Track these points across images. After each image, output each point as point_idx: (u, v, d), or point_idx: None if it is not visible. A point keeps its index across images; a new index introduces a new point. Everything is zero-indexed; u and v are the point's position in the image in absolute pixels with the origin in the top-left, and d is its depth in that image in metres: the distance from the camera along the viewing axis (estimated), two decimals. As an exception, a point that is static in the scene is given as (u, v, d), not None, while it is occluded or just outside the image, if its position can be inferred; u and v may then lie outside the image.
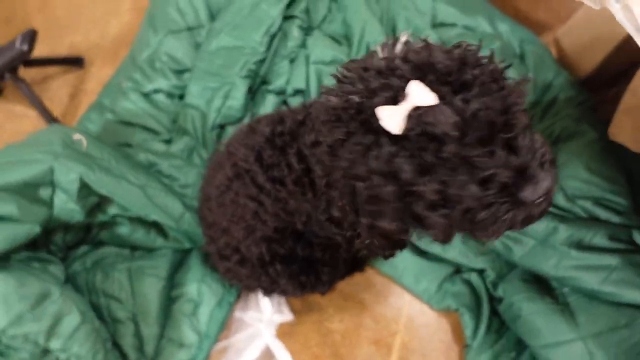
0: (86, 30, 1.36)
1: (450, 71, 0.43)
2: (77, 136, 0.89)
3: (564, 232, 0.88)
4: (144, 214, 0.92)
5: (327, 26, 1.14)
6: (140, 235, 0.99)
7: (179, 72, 1.14)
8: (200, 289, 0.95)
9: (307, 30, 1.13)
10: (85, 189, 0.88)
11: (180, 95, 1.13)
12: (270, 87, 1.10)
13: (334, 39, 1.12)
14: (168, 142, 1.08)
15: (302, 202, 0.64)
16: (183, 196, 0.99)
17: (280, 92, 1.10)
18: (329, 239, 0.74)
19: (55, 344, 0.82)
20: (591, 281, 0.84)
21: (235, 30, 1.10)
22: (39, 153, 0.87)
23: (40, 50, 1.25)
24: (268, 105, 1.09)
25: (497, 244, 0.95)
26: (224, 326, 0.97)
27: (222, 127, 1.09)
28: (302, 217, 0.68)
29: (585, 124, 0.97)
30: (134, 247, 1.00)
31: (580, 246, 0.86)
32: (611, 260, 0.84)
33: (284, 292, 0.87)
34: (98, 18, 1.37)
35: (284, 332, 0.98)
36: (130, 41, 1.26)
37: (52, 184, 0.88)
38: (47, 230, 0.91)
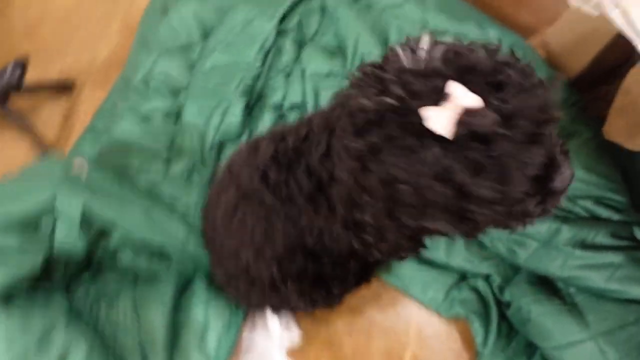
0: (76, 54, 1.35)
1: (490, 71, 0.44)
2: (78, 162, 0.88)
3: (567, 232, 0.89)
4: (149, 238, 0.91)
5: (320, 39, 1.15)
6: (143, 261, 0.97)
7: (175, 92, 1.13)
8: (207, 313, 0.94)
9: (300, 44, 1.14)
10: (88, 216, 0.87)
11: (177, 115, 1.12)
12: (267, 102, 1.10)
13: (328, 51, 1.13)
14: (167, 162, 1.07)
15: (315, 218, 0.64)
16: (186, 217, 0.98)
17: (277, 107, 1.10)
18: (340, 251, 0.74)
19: (64, 377, 0.80)
20: (597, 280, 0.85)
21: (229, 48, 1.10)
22: (39, 184, 0.86)
23: (29, 75, 1.23)
24: (266, 120, 1.09)
25: (501, 248, 0.96)
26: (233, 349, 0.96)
27: (221, 144, 1.08)
28: (314, 232, 0.67)
29: (580, 123, 0.99)
30: (137, 274, 0.99)
31: (584, 245, 0.87)
32: (614, 257, 0.85)
33: (294, 309, 0.86)
34: (87, 41, 1.36)
35: (293, 350, 0.97)
36: (121, 63, 1.25)
37: (54, 215, 0.86)
38: (50, 261, 0.90)
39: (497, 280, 0.97)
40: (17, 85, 1.12)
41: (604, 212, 0.89)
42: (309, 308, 0.85)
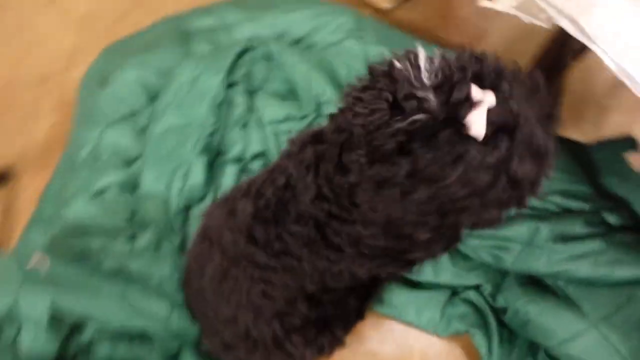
0: (9, 140, 1.26)
1: (492, 76, 0.47)
2: (35, 258, 0.80)
3: (545, 229, 0.92)
4: (129, 324, 0.84)
5: (269, 86, 1.15)
6: (122, 349, 0.88)
7: (129, 162, 1.08)
8: (202, 387, 0.87)
9: (251, 94, 1.13)
10: (57, 315, 0.79)
11: (134, 186, 1.06)
12: (227, 157, 1.08)
13: (280, 97, 1.13)
14: (131, 238, 1.00)
15: (318, 262, 0.62)
16: (163, 293, 0.91)
17: (239, 160, 1.08)
18: (339, 289, 0.72)
19: None
20: (583, 269, 0.88)
21: (180, 108, 1.07)
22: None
23: (-41, 172, 1.13)
24: (228, 175, 1.06)
25: (485, 256, 0.98)
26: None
27: (187, 209, 1.04)
28: (315, 277, 0.65)
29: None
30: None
31: (564, 239, 0.91)
32: (594, 245, 0.89)
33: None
34: (20, 124, 1.28)
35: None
36: (62, 142, 1.18)
37: (17, 321, 0.77)
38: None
39: (487, 288, 0.98)
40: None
41: (574, 204, 0.94)
42: (315, 356, 0.81)
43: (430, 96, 0.45)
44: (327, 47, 1.20)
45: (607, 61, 0.55)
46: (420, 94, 0.45)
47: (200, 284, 0.76)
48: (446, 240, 0.59)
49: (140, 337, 0.90)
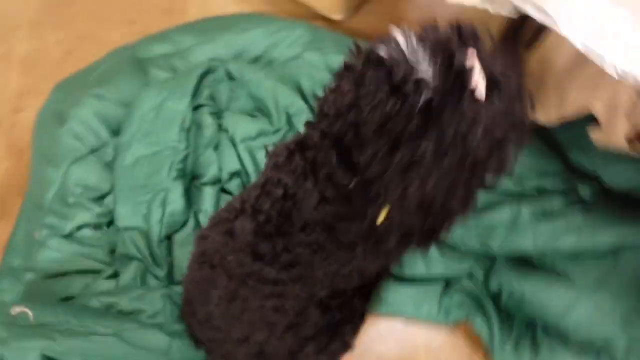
0: (-40, 194, 1.16)
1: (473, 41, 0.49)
2: (16, 309, 0.74)
3: (526, 210, 0.95)
4: (129, 364, 0.79)
5: (235, 105, 1.14)
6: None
7: (100, 199, 1.03)
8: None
9: (218, 115, 1.12)
10: (49, 366, 0.73)
11: (108, 223, 1.01)
12: (204, 179, 1.05)
13: (248, 114, 1.12)
14: (114, 276, 0.95)
15: (329, 266, 0.61)
16: (159, 326, 0.87)
17: (217, 181, 1.05)
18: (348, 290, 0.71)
19: None
20: (569, 243, 0.92)
21: (148, 137, 1.04)
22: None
23: None
24: (208, 198, 1.03)
25: (473, 244, 1.00)
26: None
27: (168, 237, 1.00)
28: (326, 281, 0.64)
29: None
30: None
31: (545, 215, 0.95)
32: (575, 218, 0.93)
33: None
34: (-29, 175, 1.19)
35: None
36: (19, 188, 1.11)
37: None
38: None
39: (480, 275, 1.00)
40: None
41: (548, 183, 0.98)
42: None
43: (429, 70, 0.45)
44: (288, 61, 1.21)
45: (576, 43, 0.58)
46: (421, 68, 0.45)
47: (206, 310, 0.72)
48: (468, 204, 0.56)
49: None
